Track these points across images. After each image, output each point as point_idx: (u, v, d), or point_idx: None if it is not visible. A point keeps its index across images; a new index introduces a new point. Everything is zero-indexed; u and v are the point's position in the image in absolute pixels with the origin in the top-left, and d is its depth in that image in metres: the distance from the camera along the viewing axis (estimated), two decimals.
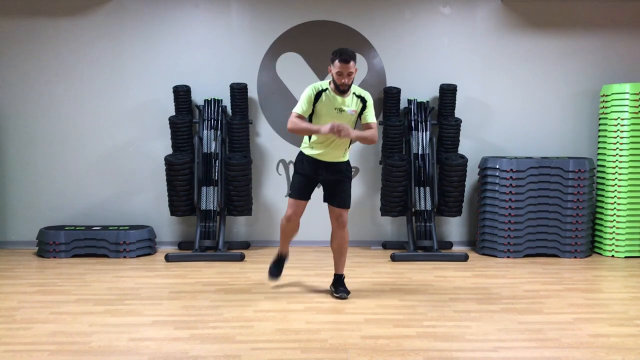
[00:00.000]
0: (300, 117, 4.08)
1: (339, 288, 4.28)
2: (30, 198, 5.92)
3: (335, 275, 4.35)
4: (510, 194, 5.50)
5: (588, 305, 4.10)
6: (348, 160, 4.24)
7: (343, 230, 4.22)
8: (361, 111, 4.13)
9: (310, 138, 4.16)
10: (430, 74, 5.94)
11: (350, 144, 4.19)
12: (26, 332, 3.52)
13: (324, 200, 4.27)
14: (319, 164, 4.14)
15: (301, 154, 4.22)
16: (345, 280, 4.45)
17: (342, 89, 4.02)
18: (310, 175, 4.17)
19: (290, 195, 4.24)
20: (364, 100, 4.11)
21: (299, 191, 4.19)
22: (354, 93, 4.10)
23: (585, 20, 5.95)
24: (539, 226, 5.56)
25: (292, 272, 4.98)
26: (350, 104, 4.07)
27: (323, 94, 4.06)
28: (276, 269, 4.46)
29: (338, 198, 4.19)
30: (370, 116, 4.15)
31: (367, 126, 4.17)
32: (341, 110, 4.05)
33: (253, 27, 5.91)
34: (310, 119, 4.12)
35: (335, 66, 3.98)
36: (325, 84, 4.11)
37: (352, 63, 3.97)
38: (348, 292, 4.25)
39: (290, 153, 5.98)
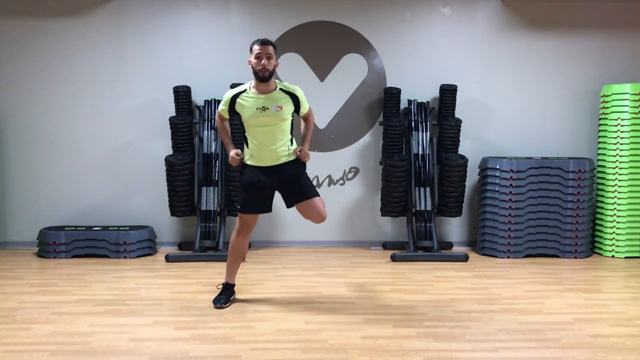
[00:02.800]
0: (221, 116, 4.03)
1: None
2: (31, 198, 5.93)
3: None
4: (511, 194, 5.50)
5: (588, 306, 4.10)
6: (296, 159, 3.99)
7: (324, 219, 4.01)
8: (296, 107, 3.93)
9: (247, 145, 3.98)
10: (430, 74, 5.94)
11: (292, 141, 4.00)
12: (26, 333, 3.52)
13: (288, 206, 4.03)
14: (263, 170, 3.94)
15: (243, 165, 4.02)
16: (345, 281, 4.46)
17: (262, 75, 3.76)
18: (256, 184, 3.94)
19: (239, 210, 4.01)
20: (294, 96, 3.91)
21: (247, 204, 3.98)
22: (280, 89, 3.88)
23: (586, 20, 5.95)
24: (539, 226, 5.56)
25: (292, 273, 4.99)
26: (275, 100, 3.84)
27: (239, 97, 3.87)
28: (224, 299, 4.06)
29: (298, 192, 3.94)
30: (305, 107, 3.99)
31: (305, 116, 4.06)
32: (264, 109, 3.81)
33: (253, 28, 5.91)
34: (241, 123, 3.96)
35: (254, 51, 3.78)
36: (244, 86, 3.92)
37: (270, 47, 3.80)
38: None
39: None
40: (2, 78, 5.84)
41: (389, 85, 5.95)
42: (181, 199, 5.64)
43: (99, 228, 5.64)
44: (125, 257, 5.50)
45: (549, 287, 4.58)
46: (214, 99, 5.77)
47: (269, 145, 3.90)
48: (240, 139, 5.71)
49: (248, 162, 4.01)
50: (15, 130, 5.87)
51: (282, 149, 3.94)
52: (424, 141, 5.71)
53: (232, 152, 3.95)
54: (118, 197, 5.96)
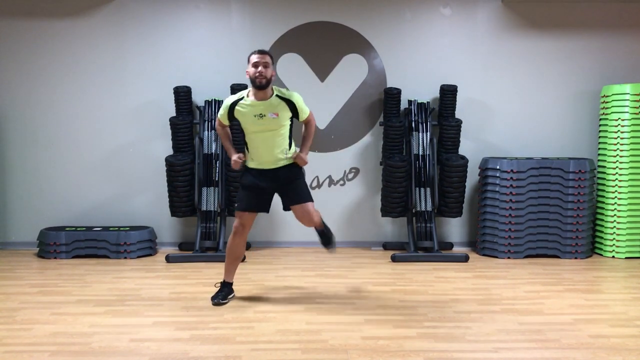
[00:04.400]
0: (220, 122, 4.12)
1: (323, 238, 4.37)
2: (31, 199, 5.93)
3: (317, 230, 4.35)
4: (511, 195, 5.50)
5: (588, 306, 4.10)
6: (292, 163, 4.08)
7: (313, 224, 4.17)
8: (293, 112, 4.01)
9: (247, 149, 4.11)
10: (430, 74, 5.94)
11: (290, 145, 4.07)
12: (27, 333, 3.52)
13: (285, 209, 4.17)
14: (261, 173, 4.04)
15: (244, 166, 4.13)
16: (346, 281, 4.45)
17: (259, 83, 3.85)
18: (255, 185, 4.05)
19: (236, 207, 4.10)
20: (290, 102, 3.97)
21: (245, 202, 4.05)
22: (277, 96, 3.96)
23: (586, 20, 5.95)
24: (540, 227, 5.56)
25: (292, 273, 4.99)
26: (272, 107, 3.92)
27: (238, 104, 3.96)
28: (222, 295, 4.14)
29: (292, 195, 4.06)
30: (303, 111, 4.05)
31: (305, 121, 4.12)
32: (262, 116, 3.91)
33: (253, 28, 5.91)
34: (241, 129, 4.07)
35: (251, 60, 3.90)
36: (242, 93, 4.02)
37: (267, 56, 3.91)
38: (329, 231, 4.37)
39: None
40: (3, 78, 5.84)
41: (389, 85, 5.95)
42: (181, 200, 5.64)
43: (99, 228, 5.65)
44: (125, 258, 5.50)
45: (549, 287, 4.58)
46: (215, 100, 5.77)
47: (267, 150, 4.00)
48: (241, 142, 5.75)
49: (248, 165, 4.11)
50: (15, 131, 5.88)
51: (280, 154, 4.04)
52: (424, 141, 5.71)
53: (235, 157, 4.06)
54: (118, 197, 5.96)
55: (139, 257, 5.55)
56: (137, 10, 5.83)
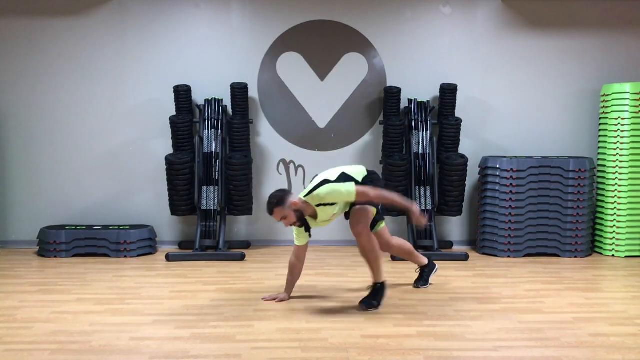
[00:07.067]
0: (300, 247, 4.09)
1: (369, 300, 4.01)
2: (31, 197, 5.93)
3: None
4: (511, 194, 5.50)
5: (588, 305, 4.10)
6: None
7: (359, 239, 3.99)
8: (344, 206, 4.03)
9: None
10: (430, 73, 5.94)
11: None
12: (27, 332, 3.52)
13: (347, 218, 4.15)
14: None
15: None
16: (346, 280, 4.45)
17: (298, 226, 3.99)
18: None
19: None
20: (331, 202, 3.91)
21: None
22: (317, 206, 3.90)
23: (586, 20, 5.95)
24: (540, 226, 5.56)
25: None
26: (326, 215, 3.97)
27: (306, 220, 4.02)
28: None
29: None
30: (345, 195, 3.84)
31: (358, 200, 3.88)
32: (325, 221, 4.04)
33: (254, 27, 5.91)
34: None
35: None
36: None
37: (274, 210, 3.84)
38: (375, 304, 3.97)
39: (290, 152, 5.99)
40: (3, 77, 5.84)
41: (389, 84, 5.95)
42: (181, 198, 5.64)
43: (99, 227, 5.65)
44: (125, 257, 5.50)
45: (549, 286, 4.58)
46: (214, 98, 5.77)
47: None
48: (243, 139, 5.75)
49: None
50: (16, 129, 5.88)
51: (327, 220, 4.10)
52: (424, 140, 5.71)
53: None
54: (118, 196, 5.96)
55: (139, 255, 5.55)
56: (137, 9, 5.83)
